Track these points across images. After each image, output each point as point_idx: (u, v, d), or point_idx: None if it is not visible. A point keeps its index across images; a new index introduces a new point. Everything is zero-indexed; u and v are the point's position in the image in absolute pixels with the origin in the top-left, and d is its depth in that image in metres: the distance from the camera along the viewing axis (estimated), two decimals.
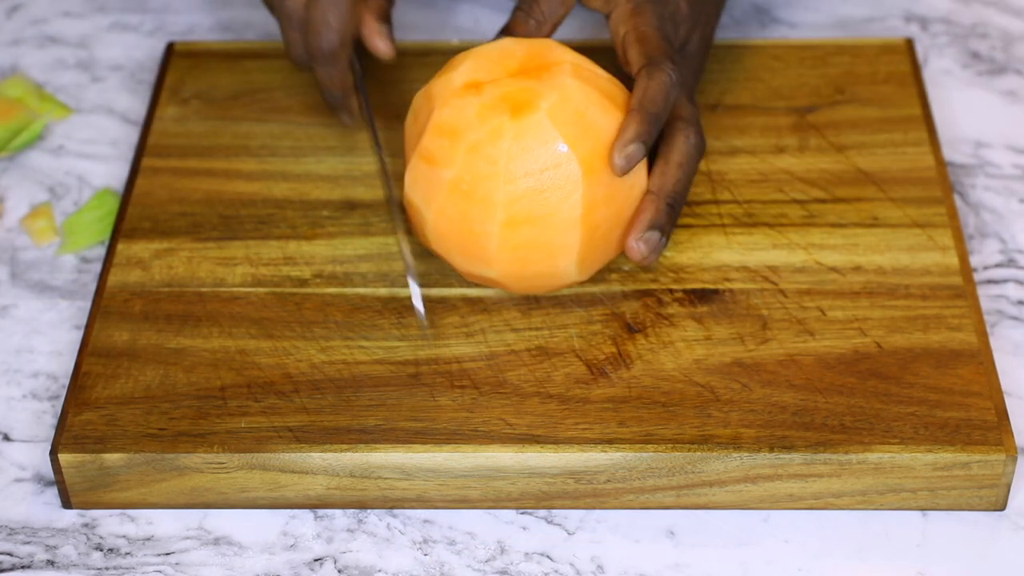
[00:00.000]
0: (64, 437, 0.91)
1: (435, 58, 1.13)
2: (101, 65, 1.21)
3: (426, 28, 1.22)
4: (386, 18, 1.01)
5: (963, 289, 0.98)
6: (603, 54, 1.14)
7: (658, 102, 0.94)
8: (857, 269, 0.99)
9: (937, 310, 0.97)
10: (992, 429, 0.90)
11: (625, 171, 0.93)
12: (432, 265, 1.00)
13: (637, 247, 0.95)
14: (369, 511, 0.93)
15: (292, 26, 1.01)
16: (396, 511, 0.93)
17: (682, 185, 0.96)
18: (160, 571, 0.90)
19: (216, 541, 0.91)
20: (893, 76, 1.12)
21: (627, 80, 0.98)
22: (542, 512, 0.92)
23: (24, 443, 0.96)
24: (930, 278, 0.99)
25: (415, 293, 0.97)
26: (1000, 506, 0.92)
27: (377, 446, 0.90)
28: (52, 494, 0.94)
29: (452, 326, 0.96)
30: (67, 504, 0.93)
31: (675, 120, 0.97)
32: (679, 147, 0.96)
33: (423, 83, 1.08)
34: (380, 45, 1.01)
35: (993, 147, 1.12)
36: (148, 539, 0.91)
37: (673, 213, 0.96)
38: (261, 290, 0.99)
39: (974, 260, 1.04)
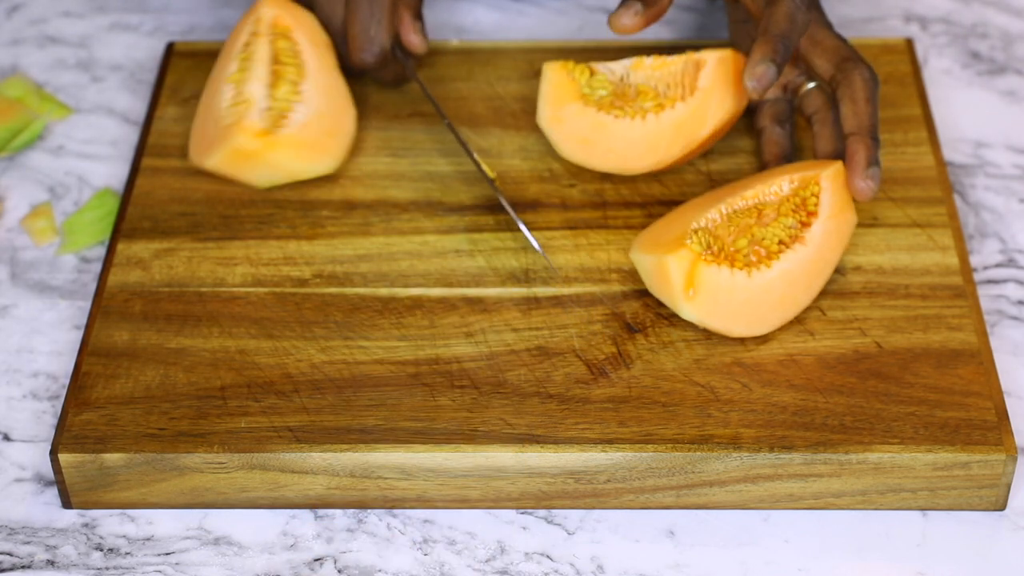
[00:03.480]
0: (64, 437, 0.91)
1: (435, 57, 1.13)
2: (101, 65, 1.21)
3: (426, 28, 1.22)
4: (419, 15, 1.08)
5: (963, 289, 0.98)
6: (603, 54, 1.14)
7: (782, 24, 0.98)
8: (857, 269, 0.99)
9: (937, 310, 0.97)
10: (992, 429, 0.90)
11: (758, 91, 0.97)
12: (431, 265, 1.00)
13: (866, 185, 0.97)
14: (369, 511, 0.93)
15: (339, 42, 1.08)
16: (396, 511, 0.93)
17: (874, 118, 0.99)
18: (160, 571, 0.90)
19: (216, 541, 0.91)
20: (893, 76, 1.12)
21: None
22: (542, 512, 0.92)
23: (24, 443, 0.96)
24: (930, 278, 0.99)
25: (529, 236, 1.01)
26: (1000, 506, 0.92)
27: (377, 446, 0.90)
28: (52, 494, 0.94)
29: (452, 326, 0.96)
30: (67, 504, 0.93)
31: (842, 61, 1.00)
32: (859, 84, 0.99)
33: (422, 81, 1.08)
34: (414, 40, 1.07)
35: (993, 147, 1.12)
36: (148, 539, 0.91)
37: (876, 145, 0.98)
38: (261, 290, 0.99)
39: (974, 260, 1.04)
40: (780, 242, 0.95)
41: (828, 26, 1.02)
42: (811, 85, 1.03)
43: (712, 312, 0.94)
